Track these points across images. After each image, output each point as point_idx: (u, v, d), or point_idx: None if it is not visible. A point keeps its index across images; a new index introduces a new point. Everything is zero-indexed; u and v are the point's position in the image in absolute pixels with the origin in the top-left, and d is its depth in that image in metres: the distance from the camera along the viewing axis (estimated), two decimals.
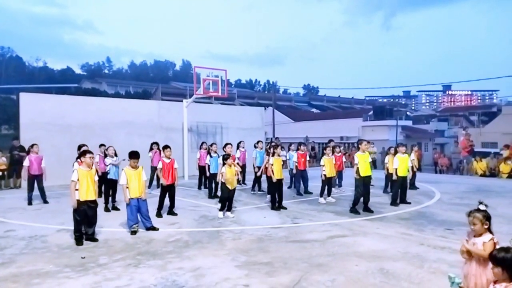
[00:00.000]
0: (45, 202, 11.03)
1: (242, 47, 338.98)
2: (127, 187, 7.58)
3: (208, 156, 12.13)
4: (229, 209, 9.30)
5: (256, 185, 12.86)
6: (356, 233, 7.60)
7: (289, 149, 13.89)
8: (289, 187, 13.37)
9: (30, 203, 10.83)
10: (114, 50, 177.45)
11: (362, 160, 9.62)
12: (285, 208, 9.97)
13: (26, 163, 11.08)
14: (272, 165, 9.97)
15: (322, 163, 11.08)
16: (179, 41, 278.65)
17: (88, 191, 6.98)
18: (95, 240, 7.07)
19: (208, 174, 12.01)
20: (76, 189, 6.92)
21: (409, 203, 10.62)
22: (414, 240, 7.07)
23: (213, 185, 11.83)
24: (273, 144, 12.31)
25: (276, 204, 9.96)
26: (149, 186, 13.03)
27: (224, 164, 9.15)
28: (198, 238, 7.25)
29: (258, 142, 13.58)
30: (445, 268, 5.58)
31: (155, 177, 13.06)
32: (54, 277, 5.29)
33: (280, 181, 10.03)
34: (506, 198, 11.41)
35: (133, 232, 7.52)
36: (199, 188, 13.53)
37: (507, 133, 21.83)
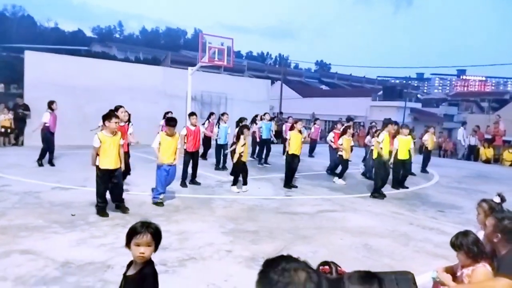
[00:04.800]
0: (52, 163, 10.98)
1: (254, 19, 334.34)
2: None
3: (216, 127, 11.87)
4: (245, 183, 8.87)
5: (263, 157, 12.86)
6: (346, 209, 7.62)
7: (261, 119, 13.68)
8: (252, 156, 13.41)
9: (43, 163, 10.61)
10: (122, 14, 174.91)
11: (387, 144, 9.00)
12: (296, 187, 9.53)
13: (46, 119, 10.61)
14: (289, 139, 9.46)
15: (340, 142, 10.62)
16: (189, 9, 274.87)
17: (112, 159, 6.37)
18: (125, 209, 6.61)
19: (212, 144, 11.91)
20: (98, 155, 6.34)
21: (407, 187, 10.11)
22: (404, 219, 7.08)
23: (221, 157, 11.60)
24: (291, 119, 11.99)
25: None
26: None
27: (238, 137, 8.72)
28: (189, 204, 7.32)
29: (264, 114, 13.52)
30: (430, 248, 5.60)
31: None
32: (41, 231, 5.39)
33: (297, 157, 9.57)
34: (504, 185, 11.31)
35: (159, 204, 7.10)
36: (204, 158, 13.21)
37: None
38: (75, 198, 7.23)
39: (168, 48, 79.12)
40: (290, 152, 9.36)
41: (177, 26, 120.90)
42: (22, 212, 6.22)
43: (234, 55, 17.86)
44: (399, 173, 10.03)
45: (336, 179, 10.54)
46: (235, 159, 8.71)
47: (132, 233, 2.42)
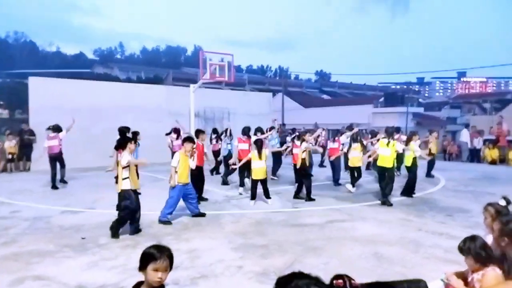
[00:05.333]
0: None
1: (252, 32, 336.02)
2: (176, 172, 7.36)
3: (224, 142, 12.10)
4: (268, 196, 8.96)
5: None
6: (355, 218, 7.62)
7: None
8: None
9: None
10: (123, 35, 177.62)
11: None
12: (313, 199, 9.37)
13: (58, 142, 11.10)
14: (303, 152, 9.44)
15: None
16: (188, 26, 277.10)
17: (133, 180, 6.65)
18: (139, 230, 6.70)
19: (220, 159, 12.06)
20: (124, 178, 6.52)
21: (391, 204, 8.97)
22: (413, 226, 7.07)
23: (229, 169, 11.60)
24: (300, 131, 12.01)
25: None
26: None
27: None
28: (198, 221, 7.35)
29: (271, 127, 13.70)
30: (440, 253, 5.59)
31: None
32: (53, 257, 5.44)
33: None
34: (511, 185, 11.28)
35: (167, 223, 7.16)
36: (212, 173, 13.40)
37: None
38: (85, 221, 7.29)
39: (169, 66, 79.86)
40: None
41: (177, 44, 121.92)
42: (33, 238, 6.28)
43: (234, 70, 18.02)
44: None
45: (348, 185, 10.60)
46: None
47: (149, 259, 2.42)
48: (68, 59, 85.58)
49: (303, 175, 9.46)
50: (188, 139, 7.68)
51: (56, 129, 11.16)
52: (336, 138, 11.95)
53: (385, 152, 9.10)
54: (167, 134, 13.51)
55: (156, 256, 2.42)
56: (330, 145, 12.08)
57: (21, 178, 12.83)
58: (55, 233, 6.56)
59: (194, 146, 7.78)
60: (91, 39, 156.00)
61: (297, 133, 11.69)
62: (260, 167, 8.87)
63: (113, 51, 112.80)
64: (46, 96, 15.21)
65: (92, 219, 7.49)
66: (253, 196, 8.89)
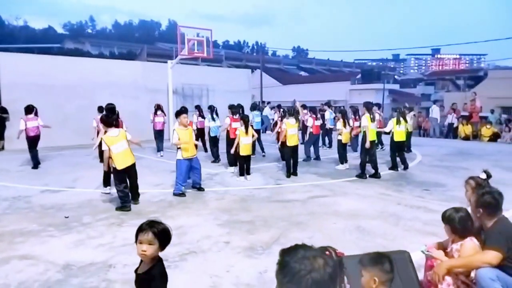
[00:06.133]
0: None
1: (229, 6, 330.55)
2: (179, 148, 7.57)
3: (211, 119, 11.68)
4: (248, 172, 9.19)
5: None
6: (336, 194, 7.79)
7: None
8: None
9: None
10: (93, 8, 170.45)
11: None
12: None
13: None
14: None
15: (339, 127, 10.87)
16: None
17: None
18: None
19: (206, 137, 11.90)
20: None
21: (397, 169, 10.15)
22: (392, 200, 7.29)
23: (215, 148, 11.70)
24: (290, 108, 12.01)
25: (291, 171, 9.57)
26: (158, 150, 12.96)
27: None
28: (182, 199, 7.36)
29: (259, 103, 13.71)
30: (419, 226, 5.81)
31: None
32: (37, 236, 5.38)
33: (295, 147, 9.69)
34: (485, 160, 11.69)
35: (182, 195, 7.48)
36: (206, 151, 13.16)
37: (492, 97, 21.98)
38: (66, 200, 7.19)
39: (143, 41, 77.79)
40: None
41: (151, 18, 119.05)
42: (14, 218, 6.17)
43: (213, 46, 17.76)
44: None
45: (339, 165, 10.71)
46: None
47: (137, 231, 2.49)
48: (37, 34, 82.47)
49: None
50: (182, 112, 7.80)
51: (32, 110, 10.63)
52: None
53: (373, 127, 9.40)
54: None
55: (141, 228, 2.47)
56: (316, 122, 12.13)
57: None
58: (37, 213, 6.46)
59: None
60: (60, 12, 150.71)
61: (284, 110, 11.71)
62: (247, 143, 8.98)
63: (83, 25, 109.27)
64: (17, 73, 14.66)
65: (73, 198, 7.40)
66: (242, 173, 9.05)
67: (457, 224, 3.21)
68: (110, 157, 6.59)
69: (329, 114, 14.39)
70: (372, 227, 5.75)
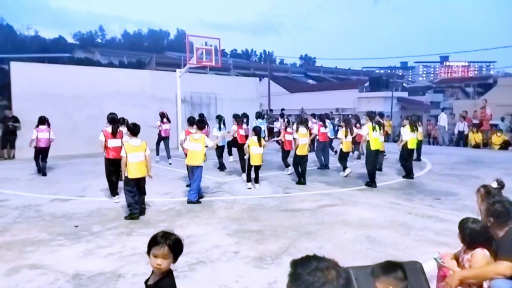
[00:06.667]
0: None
1: (235, 15, 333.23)
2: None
3: (218, 129, 11.74)
4: (257, 181, 9.25)
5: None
6: (346, 203, 7.73)
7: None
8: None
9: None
10: (102, 17, 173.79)
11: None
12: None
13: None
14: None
15: (340, 135, 11.07)
16: (170, 8, 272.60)
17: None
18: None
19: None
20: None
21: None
22: (402, 209, 7.21)
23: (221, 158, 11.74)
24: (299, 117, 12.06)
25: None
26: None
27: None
28: (191, 208, 7.36)
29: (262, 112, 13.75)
30: (430, 236, 5.73)
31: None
32: (47, 245, 5.39)
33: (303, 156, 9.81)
34: (496, 169, 11.55)
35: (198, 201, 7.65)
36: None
37: (501, 105, 21.79)
38: (76, 209, 7.22)
39: (152, 50, 78.65)
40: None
41: (159, 27, 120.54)
42: (24, 227, 6.20)
43: (221, 55, 17.85)
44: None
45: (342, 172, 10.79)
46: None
47: (151, 243, 2.46)
48: (47, 43, 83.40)
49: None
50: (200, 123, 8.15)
51: (45, 121, 10.83)
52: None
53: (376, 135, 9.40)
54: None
55: (157, 241, 2.44)
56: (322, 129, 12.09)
57: (6, 166, 12.58)
58: (47, 222, 6.49)
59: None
60: (70, 22, 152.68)
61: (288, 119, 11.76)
62: (259, 153, 9.08)
63: (93, 35, 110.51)
64: (28, 82, 14.84)
65: (83, 206, 7.42)
66: (249, 179, 9.21)
67: (467, 235, 3.18)
68: (125, 164, 6.66)
69: (328, 122, 14.10)
70: (383, 237, 5.68)
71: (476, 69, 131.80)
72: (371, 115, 9.67)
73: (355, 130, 11.30)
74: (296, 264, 1.49)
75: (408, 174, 10.29)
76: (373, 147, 9.25)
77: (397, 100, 33.96)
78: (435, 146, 19.65)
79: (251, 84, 22.52)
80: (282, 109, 22.52)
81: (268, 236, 5.76)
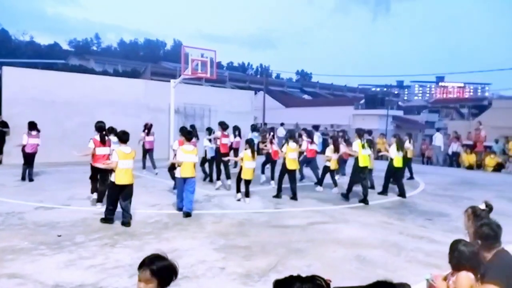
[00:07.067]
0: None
1: (234, 28, 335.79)
2: (178, 166, 7.73)
3: (207, 140, 11.53)
4: (247, 195, 9.17)
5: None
6: (337, 220, 7.61)
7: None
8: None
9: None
10: (99, 25, 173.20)
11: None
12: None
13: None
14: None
15: (328, 153, 11.04)
16: (168, 19, 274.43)
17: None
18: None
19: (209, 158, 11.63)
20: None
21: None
22: (394, 229, 7.10)
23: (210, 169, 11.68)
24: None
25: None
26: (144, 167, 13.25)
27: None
28: (178, 221, 7.19)
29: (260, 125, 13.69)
30: (421, 257, 5.63)
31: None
32: (28, 254, 5.21)
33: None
34: (490, 191, 11.51)
35: (187, 214, 7.47)
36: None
37: (496, 127, 21.89)
38: (60, 218, 7.02)
39: (147, 60, 78.61)
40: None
41: (156, 37, 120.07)
42: (6, 234, 6.01)
43: (217, 67, 17.83)
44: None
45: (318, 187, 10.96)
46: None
47: (139, 264, 2.31)
48: (42, 50, 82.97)
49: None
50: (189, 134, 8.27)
51: (35, 127, 10.84)
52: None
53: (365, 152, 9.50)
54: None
55: (142, 263, 2.29)
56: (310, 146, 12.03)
57: None
58: (29, 230, 6.30)
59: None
60: (66, 29, 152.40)
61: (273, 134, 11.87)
62: (251, 168, 8.98)
63: (89, 43, 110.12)
64: (20, 87, 14.66)
65: (68, 216, 7.23)
66: (239, 190, 9.13)
67: (454, 257, 3.13)
68: (113, 170, 6.73)
69: (317, 138, 13.90)
70: (373, 256, 5.56)
71: (471, 90, 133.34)
72: (360, 133, 9.85)
73: (342, 148, 11.54)
74: (278, 285, 1.40)
75: (384, 191, 10.42)
76: (361, 164, 9.36)
77: (392, 119, 34.05)
78: (428, 166, 19.63)
79: (246, 97, 22.49)
80: (282, 124, 22.46)
81: (256, 252, 5.61)
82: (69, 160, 14.53)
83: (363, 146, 9.45)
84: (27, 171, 10.75)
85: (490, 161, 17.35)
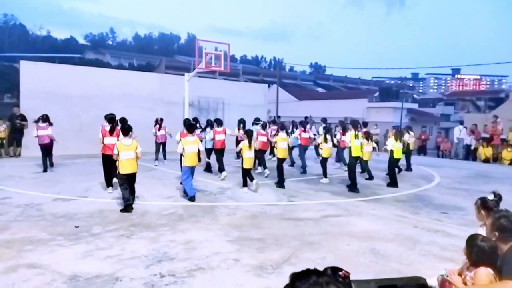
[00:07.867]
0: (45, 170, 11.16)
1: (246, 21, 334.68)
2: (183, 156, 8.25)
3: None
4: (251, 179, 9.52)
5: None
6: (351, 213, 7.59)
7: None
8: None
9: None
10: (114, 20, 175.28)
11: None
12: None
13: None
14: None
15: (319, 141, 11.69)
16: (182, 13, 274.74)
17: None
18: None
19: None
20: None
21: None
22: (409, 222, 7.06)
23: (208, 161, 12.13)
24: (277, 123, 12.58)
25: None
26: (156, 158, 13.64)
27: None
28: (193, 212, 7.27)
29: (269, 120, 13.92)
30: (436, 251, 5.59)
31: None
32: (46, 245, 5.33)
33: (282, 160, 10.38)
34: (506, 184, 11.32)
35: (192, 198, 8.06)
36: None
37: None
38: (77, 210, 7.17)
39: (162, 53, 78.87)
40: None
41: (170, 31, 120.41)
42: (25, 225, 6.15)
43: (230, 60, 17.83)
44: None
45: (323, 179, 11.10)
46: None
47: None
48: (58, 44, 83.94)
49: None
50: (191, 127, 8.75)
51: (46, 119, 11.09)
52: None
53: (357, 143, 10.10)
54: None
55: None
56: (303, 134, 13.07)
57: (11, 164, 12.60)
58: (47, 221, 6.44)
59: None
60: (82, 23, 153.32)
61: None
62: (250, 157, 9.40)
63: (104, 37, 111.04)
64: (37, 81, 14.91)
65: (85, 207, 7.37)
66: (245, 184, 9.41)
67: (474, 253, 3.08)
68: (117, 160, 7.36)
69: (321, 129, 13.93)
70: (387, 250, 5.55)
71: (488, 82, 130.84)
72: (355, 124, 10.37)
73: (339, 137, 12.22)
74: (295, 278, 1.42)
75: (393, 183, 10.60)
76: (353, 154, 9.97)
77: (407, 111, 33.69)
78: (444, 159, 19.40)
79: (259, 90, 22.47)
80: (306, 117, 22.13)
81: (270, 244, 5.64)
82: (86, 152, 14.84)
83: (356, 137, 9.96)
84: (45, 162, 11.07)
85: (507, 154, 17.05)
